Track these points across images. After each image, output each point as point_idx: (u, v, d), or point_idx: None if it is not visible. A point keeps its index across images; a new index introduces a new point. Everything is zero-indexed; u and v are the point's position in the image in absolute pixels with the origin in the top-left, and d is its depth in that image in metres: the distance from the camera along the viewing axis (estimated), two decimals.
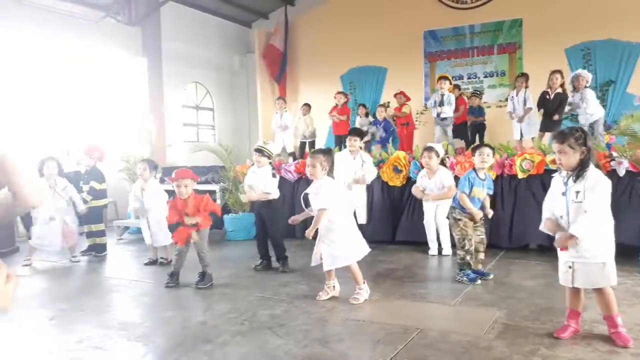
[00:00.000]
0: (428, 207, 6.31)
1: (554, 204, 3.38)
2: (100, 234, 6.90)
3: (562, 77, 7.83)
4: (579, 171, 3.21)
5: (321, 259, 4.43)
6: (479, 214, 5.01)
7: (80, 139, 8.88)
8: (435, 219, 6.25)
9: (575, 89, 7.71)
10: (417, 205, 6.77)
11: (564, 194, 3.27)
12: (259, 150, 5.83)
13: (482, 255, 5.17)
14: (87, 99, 10.08)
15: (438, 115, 8.66)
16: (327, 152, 4.69)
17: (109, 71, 10.56)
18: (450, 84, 8.55)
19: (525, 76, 8.54)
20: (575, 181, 3.21)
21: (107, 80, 10.51)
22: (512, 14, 10.93)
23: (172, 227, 5.31)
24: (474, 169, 5.12)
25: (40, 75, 9.25)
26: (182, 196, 5.16)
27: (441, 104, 8.57)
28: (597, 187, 3.15)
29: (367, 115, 10.76)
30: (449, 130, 8.87)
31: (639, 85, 9.57)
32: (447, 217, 5.33)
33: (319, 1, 12.90)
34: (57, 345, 3.65)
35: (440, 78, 8.65)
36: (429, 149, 6.05)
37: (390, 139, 9.69)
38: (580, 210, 3.18)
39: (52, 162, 6.45)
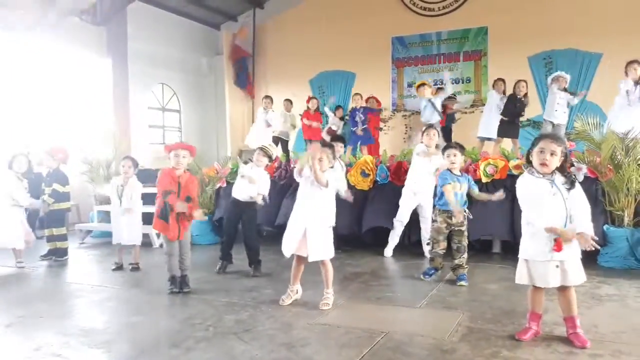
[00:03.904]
0: (405, 208, 6.37)
1: (539, 206, 3.36)
2: (62, 237, 6.71)
3: (527, 85, 8.27)
4: (567, 176, 3.38)
5: (306, 252, 4.28)
6: (459, 210, 4.98)
7: (41, 139, 8.64)
8: (422, 224, 6.32)
9: (559, 89, 8.01)
10: (380, 195, 6.83)
11: (555, 194, 3.34)
12: (263, 149, 5.78)
13: (457, 261, 5.19)
14: (49, 99, 9.83)
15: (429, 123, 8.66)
16: (331, 145, 4.65)
17: (73, 71, 10.32)
18: (431, 87, 8.60)
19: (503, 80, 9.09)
20: (569, 186, 3.35)
21: (70, 80, 10.26)
22: (478, 22, 11.15)
23: (166, 194, 4.90)
24: (448, 170, 5.21)
25: (0, 74, 8.98)
26: (178, 167, 4.96)
27: (429, 107, 8.57)
28: (579, 187, 3.40)
29: (341, 119, 10.82)
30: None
31: (598, 95, 9.87)
32: (457, 222, 5.18)
33: (288, 5, 12.91)
34: (14, 353, 3.53)
35: (420, 85, 8.60)
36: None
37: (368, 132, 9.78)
38: (576, 206, 3.34)
39: (23, 158, 6.42)
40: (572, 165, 6.09)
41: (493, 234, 6.47)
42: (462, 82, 11.46)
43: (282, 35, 12.89)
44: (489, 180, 6.51)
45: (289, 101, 10.61)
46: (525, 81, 8.35)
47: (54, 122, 9.78)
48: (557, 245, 3.29)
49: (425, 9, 11.67)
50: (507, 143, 8.40)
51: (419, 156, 6.18)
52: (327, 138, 10.84)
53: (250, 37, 13.23)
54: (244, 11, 13.46)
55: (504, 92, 8.77)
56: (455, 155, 5.13)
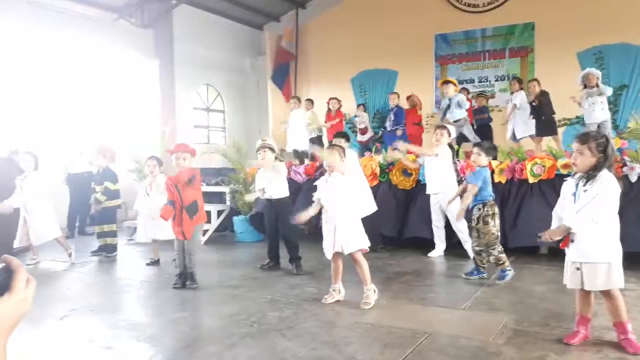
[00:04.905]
0: (433, 211, 6.36)
1: (563, 207, 3.36)
2: (112, 234, 6.94)
3: (540, 84, 8.08)
4: (591, 174, 3.21)
5: (340, 246, 4.37)
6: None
7: (92, 139, 8.96)
8: (454, 226, 6.23)
9: (588, 87, 7.70)
10: (424, 203, 6.79)
11: (573, 194, 3.27)
12: (263, 147, 5.82)
13: (490, 259, 5.14)
14: (99, 99, 10.17)
15: (455, 120, 8.48)
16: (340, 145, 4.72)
17: (122, 72, 10.66)
18: (455, 85, 8.49)
19: (518, 79, 9.08)
20: (585, 183, 3.21)
21: (119, 81, 10.60)
22: (524, 17, 10.88)
23: (170, 202, 5.20)
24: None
25: (54, 76, 9.35)
26: (180, 169, 5.15)
27: (449, 107, 8.45)
28: (602, 184, 3.16)
29: (364, 111, 10.85)
30: (465, 130, 8.40)
31: None
32: (473, 219, 5.23)
33: (330, 4, 12.93)
34: (70, 344, 3.69)
35: (444, 83, 8.52)
36: (442, 126, 6.30)
37: (401, 131, 9.67)
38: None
39: (28, 157, 6.50)
40: (625, 164, 5.86)
41: (537, 242, 6.19)
42: (508, 80, 11.19)
43: (324, 35, 12.92)
44: (536, 181, 6.34)
45: (309, 101, 10.62)
46: (536, 80, 8.12)
47: (104, 122, 10.11)
48: (562, 242, 3.32)
49: (469, 5, 11.46)
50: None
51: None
52: (363, 139, 10.84)
53: (294, 37, 13.33)
54: (287, 11, 13.57)
55: (520, 89, 8.73)
56: (478, 155, 5.19)
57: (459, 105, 8.25)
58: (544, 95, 7.96)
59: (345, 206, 4.40)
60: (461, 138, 8.65)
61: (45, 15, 9.03)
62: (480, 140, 8.38)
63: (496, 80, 11.32)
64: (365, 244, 4.43)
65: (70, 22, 9.46)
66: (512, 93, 8.85)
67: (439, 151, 6.09)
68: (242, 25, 13.49)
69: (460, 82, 11.50)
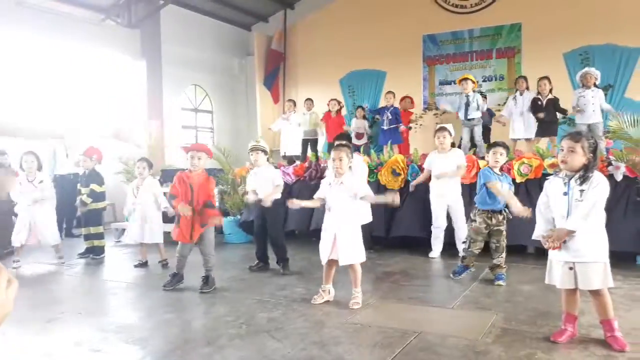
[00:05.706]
0: (439, 212, 6.34)
1: (553, 206, 3.38)
2: (99, 236, 6.89)
3: (550, 82, 7.94)
4: (584, 174, 3.23)
5: (337, 255, 4.32)
6: (510, 196, 4.88)
7: (78, 140, 8.87)
8: (454, 225, 6.26)
9: (585, 86, 7.70)
10: (411, 202, 6.79)
11: (565, 193, 3.29)
12: (255, 149, 5.76)
13: (495, 261, 5.14)
14: (86, 100, 10.09)
15: (466, 118, 8.27)
16: (348, 145, 4.72)
17: (109, 73, 10.58)
18: (473, 83, 8.30)
19: (524, 78, 8.74)
20: (580, 183, 3.23)
21: (106, 82, 10.52)
22: (511, 18, 10.97)
23: (172, 197, 5.12)
24: (489, 167, 5.19)
25: (40, 77, 9.27)
26: (194, 168, 5.04)
27: (467, 104, 8.32)
28: (599, 186, 3.21)
29: (364, 117, 10.78)
30: (477, 130, 8.32)
31: (637, 90, 9.62)
32: (499, 222, 5.16)
33: (318, 5, 12.94)
34: (56, 348, 3.65)
35: (462, 80, 8.23)
36: (442, 128, 6.33)
37: (397, 131, 9.69)
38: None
39: (30, 156, 6.46)
40: (610, 164, 5.93)
41: (526, 242, 6.20)
42: (495, 80, 11.30)
43: (312, 35, 12.94)
44: (523, 180, 6.39)
45: (310, 100, 10.62)
46: (547, 78, 7.95)
47: (91, 123, 10.02)
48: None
49: (457, 6, 11.54)
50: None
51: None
52: (358, 142, 10.83)
53: (282, 38, 13.32)
54: (275, 12, 13.56)
55: (527, 89, 8.37)
56: (501, 154, 5.15)
57: (478, 105, 8.18)
58: (555, 101, 7.90)
59: (348, 214, 4.33)
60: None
61: (31, 16, 8.95)
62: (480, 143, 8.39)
63: (484, 81, 11.38)
64: (362, 258, 4.39)
65: (56, 22, 9.37)
66: (517, 92, 8.62)
67: (461, 159, 6.22)
68: (230, 26, 13.46)
69: (448, 83, 11.60)
